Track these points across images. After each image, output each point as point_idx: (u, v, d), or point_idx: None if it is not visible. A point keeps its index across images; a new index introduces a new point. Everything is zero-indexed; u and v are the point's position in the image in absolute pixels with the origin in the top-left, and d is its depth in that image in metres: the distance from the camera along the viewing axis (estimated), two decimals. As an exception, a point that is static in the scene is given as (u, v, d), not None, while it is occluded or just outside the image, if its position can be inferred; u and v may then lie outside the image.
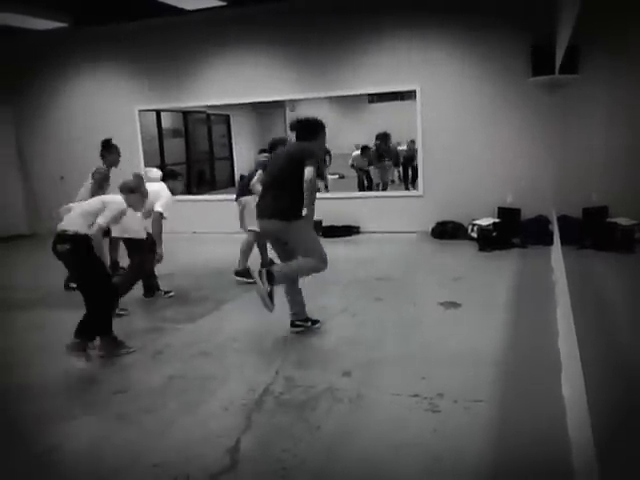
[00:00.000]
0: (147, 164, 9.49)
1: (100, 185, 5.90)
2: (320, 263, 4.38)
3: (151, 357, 4.24)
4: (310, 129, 4.49)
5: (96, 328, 4.14)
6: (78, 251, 4.03)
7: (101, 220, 4.04)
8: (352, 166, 11.93)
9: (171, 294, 5.82)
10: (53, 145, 10.11)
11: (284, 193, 4.30)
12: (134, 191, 4.29)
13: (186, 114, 13.01)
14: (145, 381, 3.84)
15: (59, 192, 9.50)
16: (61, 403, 3.56)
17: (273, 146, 6.21)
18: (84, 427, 3.24)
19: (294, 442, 2.93)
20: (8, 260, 8.48)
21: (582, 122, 7.57)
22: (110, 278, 4.35)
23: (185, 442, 3.00)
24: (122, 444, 3.03)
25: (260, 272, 4.26)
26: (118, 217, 4.23)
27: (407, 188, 11.20)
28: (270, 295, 4.24)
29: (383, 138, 11.92)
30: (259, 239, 6.03)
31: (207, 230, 9.17)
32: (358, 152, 11.97)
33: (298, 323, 4.62)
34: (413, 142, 12.56)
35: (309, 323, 4.66)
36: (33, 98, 10.22)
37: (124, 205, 4.23)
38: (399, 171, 12.85)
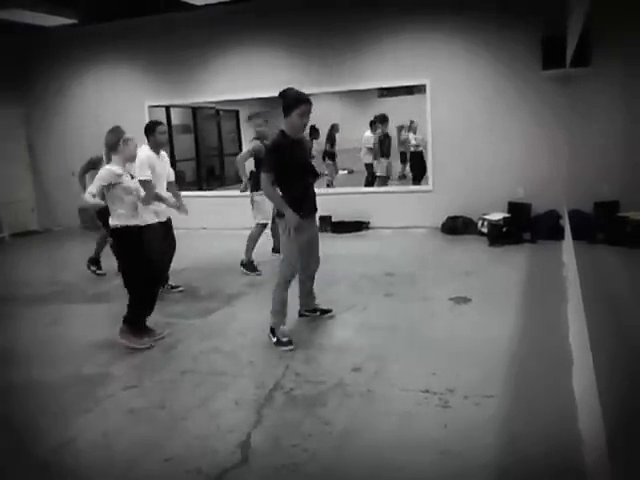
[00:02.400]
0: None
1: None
2: (282, 273, 4.21)
3: (163, 352, 4.27)
4: (284, 104, 4.15)
5: (135, 314, 4.36)
6: (117, 243, 4.38)
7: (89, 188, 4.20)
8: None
9: (180, 289, 5.86)
10: (63, 142, 10.17)
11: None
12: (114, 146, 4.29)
13: (195, 110, 13.04)
14: (157, 376, 3.86)
15: (70, 189, 9.58)
16: (74, 397, 3.59)
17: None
18: (97, 421, 3.27)
19: (304, 437, 2.94)
20: (21, 256, 8.55)
21: (594, 115, 7.50)
22: (145, 269, 4.35)
23: (197, 436, 3.02)
24: (134, 438, 3.06)
25: (269, 335, 4.29)
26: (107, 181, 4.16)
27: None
28: (287, 342, 4.17)
29: (382, 121, 11.04)
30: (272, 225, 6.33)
31: (217, 226, 9.19)
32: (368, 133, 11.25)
33: (305, 313, 4.73)
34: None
35: (317, 313, 4.73)
36: (43, 95, 10.28)
37: (111, 168, 4.20)
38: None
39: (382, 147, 10.85)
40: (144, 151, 5.23)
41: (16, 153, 10.36)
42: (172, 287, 5.83)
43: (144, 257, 4.32)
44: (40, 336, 4.82)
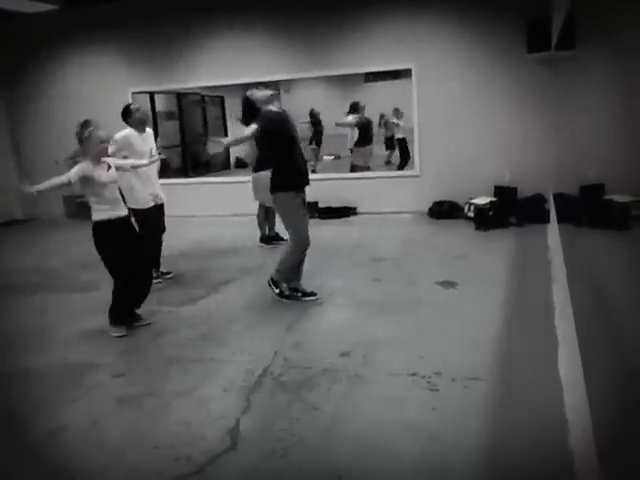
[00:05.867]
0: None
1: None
2: (298, 244, 4.61)
3: (150, 340, 4.26)
4: (253, 106, 4.61)
5: (116, 307, 4.32)
6: (97, 237, 4.21)
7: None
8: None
9: (170, 275, 5.85)
10: (46, 129, 10.03)
11: (272, 166, 4.67)
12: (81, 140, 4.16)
13: (180, 96, 12.90)
14: (144, 364, 3.86)
15: (53, 177, 9.44)
16: (62, 387, 3.58)
17: None
18: (85, 410, 3.26)
19: (293, 422, 2.95)
20: (5, 245, 8.46)
21: (579, 98, 7.53)
22: (129, 260, 4.28)
23: (185, 424, 3.02)
24: (123, 426, 3.06)
25: (268, 282, 4.77)
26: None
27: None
28: (289, 296, 4.64)
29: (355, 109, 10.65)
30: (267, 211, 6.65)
31: (204, 213, 9.14)
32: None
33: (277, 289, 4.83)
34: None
35: (299, 294, 4.83)
36: (25, 82, 10.12)
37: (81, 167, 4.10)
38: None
39: (363, 134, 10.60)
40: (122, 132, 5.38)
41: (-1, 140, 10.21)
42: (163, 273, 5.82)
43: (126, 248, 4.24)
44: (26, 325, 4.78)
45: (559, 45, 6.88)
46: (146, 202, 5.45)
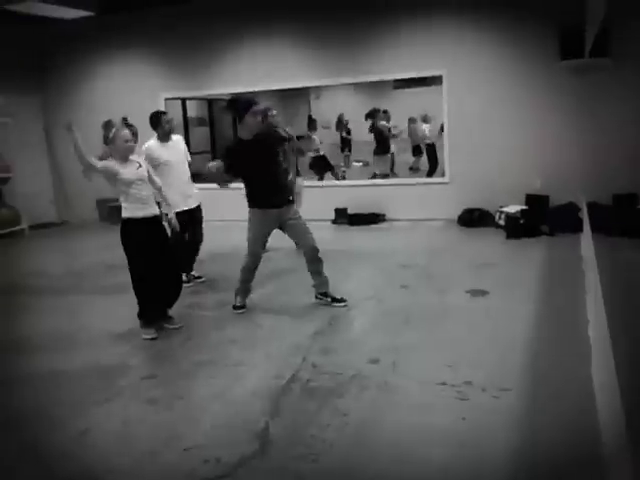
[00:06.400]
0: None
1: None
2: (247, 259, 4.85)
3: (180, 343, 4.30)
4: (235, 111, 4.74)
5: (141, 309, 4.41)
6: (122, 234, 4.27)
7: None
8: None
9: (202, 279, 5.90)
10: (81, 134, 10.21)
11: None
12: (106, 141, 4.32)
13: (211, 102, 13.05)
14: (174, 366, 3.90)
15: (88, 181, 9.64)
16: (94, 387, 3.63)
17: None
18: (115, 411, 3.31)
19: (322, 428, 2.95)
20: (40, 247, 8.64)
21: (612, 107, 7.41)
22: (146, 263, 4.30)
23: (215, 426, 3.04)
24: (153, 428, 3.09)
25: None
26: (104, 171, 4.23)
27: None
28: (239, 307, 4.92)
29: (372, 116, 10.86)
30: None
31: (234, 217, 9.19)
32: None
33: (318, 296, 4.92)
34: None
35: (329, 299, 4.87)
36: (60, 87, 10.35)
37: (107, 164, 4.24)
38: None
39: (381, 142, 10.65)
40: (145, 145, 5.38)
41: (34, 145, 10.42)
42: (195, 277, 5.87)
43: (148, 249, 4.26)
44: (59, 327, 4.86)
45: (593, 52, 6.79)
46: (176, 205, 5.32)
